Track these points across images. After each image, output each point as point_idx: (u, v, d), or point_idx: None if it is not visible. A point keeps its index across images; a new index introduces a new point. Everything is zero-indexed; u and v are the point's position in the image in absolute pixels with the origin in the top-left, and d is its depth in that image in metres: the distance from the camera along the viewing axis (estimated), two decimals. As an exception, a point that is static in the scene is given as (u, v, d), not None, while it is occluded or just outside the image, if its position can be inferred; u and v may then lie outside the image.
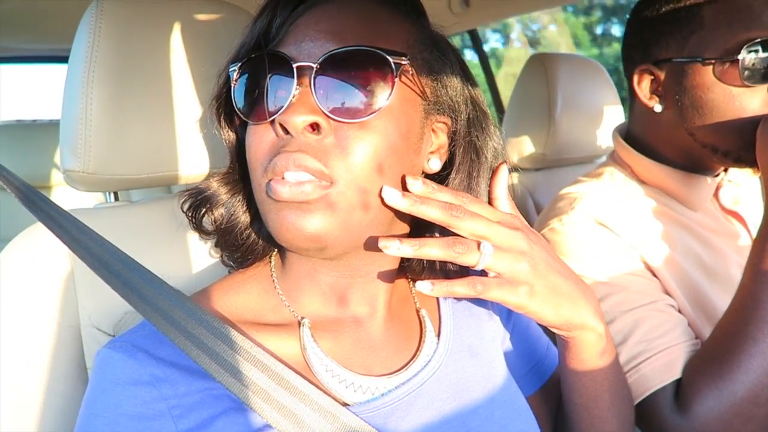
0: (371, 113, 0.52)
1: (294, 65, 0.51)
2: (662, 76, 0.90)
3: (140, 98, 0.70)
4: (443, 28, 0.62)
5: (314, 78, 0.51)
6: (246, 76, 0.54)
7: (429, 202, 0.54)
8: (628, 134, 1.02)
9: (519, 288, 0.56)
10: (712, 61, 0.83)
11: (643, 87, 0.93)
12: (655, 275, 0.88)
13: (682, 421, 0.75)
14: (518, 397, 0.67)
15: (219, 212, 0.60)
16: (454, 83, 0.59)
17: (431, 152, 0.60)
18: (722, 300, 0.88)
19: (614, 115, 1.39)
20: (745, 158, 0.86)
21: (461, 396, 0.62)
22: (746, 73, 0.81)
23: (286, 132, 0.51)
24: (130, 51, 0.68)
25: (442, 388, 0.61)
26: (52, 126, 2.02)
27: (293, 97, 0.51)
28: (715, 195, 0.99)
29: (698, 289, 0.89)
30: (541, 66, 1.28)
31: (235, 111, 0.57)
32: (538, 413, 0.74)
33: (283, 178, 0.51)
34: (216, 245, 0.62)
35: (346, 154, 0.51)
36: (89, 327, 0.67)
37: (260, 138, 0.53)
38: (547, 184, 1.33)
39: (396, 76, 0.53)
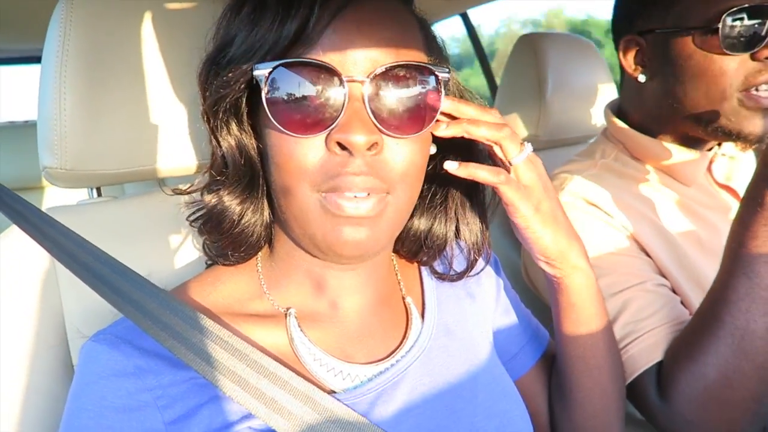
0: (424, 128, 0.53)
1: (345, 79, 0.49)
2: (646, 46, 0.89)
3: (115, 92, 0.68)
4: (434, 14, 0.61)
5: (367, 93, 0.50)
6: (283, 82, 0.50)
7: (478, 123, 0.57)
8: (619, 110, 1.01)
9: (530, 198, 0.60)
10: (694, 31, 0.82)
11: (628, 58, 0.92)
12: (648, 254, 0.87)
13: (662, 404, 0.74)
14: (503, 379, 0.67)
15: (230, 220, 0.57)
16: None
17: None
18: (717, 276, 0.87)
19: (607, 93, 1.37)
20: (728, 129, 0.85)
21: (444, 379, 0.62)
22: (726, 41, 0.80)
23: (343, 148, 0.50)
24: (102, 44, 0.67)
25: (425, 372, 0.61)
26: (32, 126, 2.02)
27: (345, 112, 0.49)
28: (708, 169, 0.98)
29: (693, 265, 0.88)
30: (531, 46, 1.26)
31: (245, 116, 0.55)
32: (533, 391, 0.74)
33: (338, 198, 0.51)
34: (222, 247, 0.59)
35: (401, 165, 0.53)
36: (73, 324, 0.66)
37: (304, 150, 0.51)
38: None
39: (442, 90, 0.53)
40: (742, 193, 0.99)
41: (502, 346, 0.73)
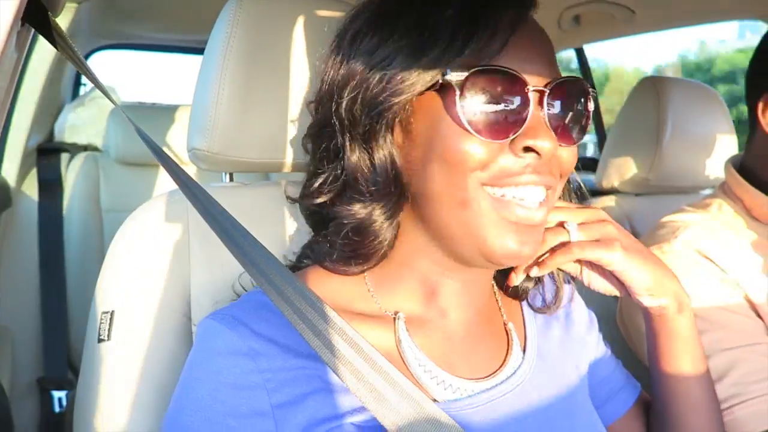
0: (581, 139, 0.58)
1: (531, 89, 0.53)
2: None
3: (264, 89, 0.75)
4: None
5: (546, 102, 0.54)
6: (476, 88, 0.52)
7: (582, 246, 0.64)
8: (742, 166, 0.97)
9: (613, 245, 0.63)
10: None
11: (767, 115, 0.88)
12: (759, 316, 0.83)
13: None
14: (598, 423, 0.67)
15: (375, 236, 0.57)
16: None
17: None
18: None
19: (727, 146, 1.32)
20: None
21: (542, 413, 0.62)
22: None
23: (526, 150, 0.54)
24: (260, 45, 0.74)
25: (524, 402, 0.61)
26: (170, 110, 2.17)
27: (531, 119, 0.53)
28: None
29: None
30: (653, 89, 1.24)
31: (398, 126, 0.56)
32: None
33: (518, 200, 0.55)
34: (352, 257, 0.59)
35: (565, 166, 0.58)
36: (197, 294, 0.72)
37: (487, 151, 0.53)
38: (647, 210, 1.27)
39: (591, 107, 0.58)
40: None
41: (594, 388, 0.72)
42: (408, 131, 0.56)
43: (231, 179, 0.86)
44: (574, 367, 0.70)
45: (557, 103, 0.55)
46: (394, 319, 0.60)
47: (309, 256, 0.64)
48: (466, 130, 0.52)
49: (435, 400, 0.56)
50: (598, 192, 1.38)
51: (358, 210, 0.57)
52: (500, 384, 0.60)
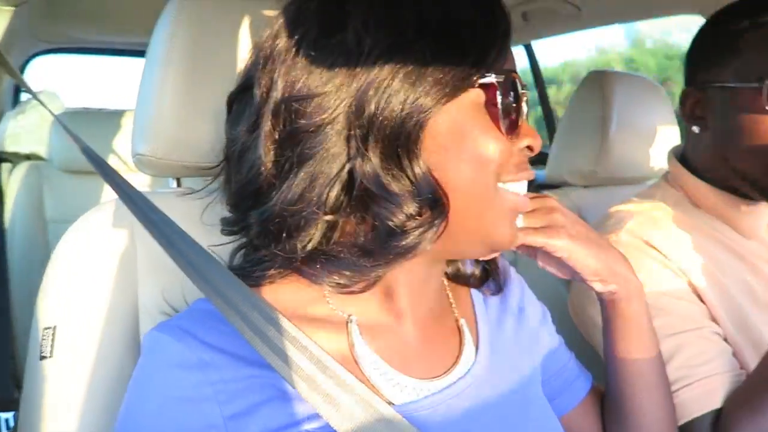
0: None
1: (524, 92, 0.56)
2: (702, 99, 0.91)
3: (209, 91, 0.73)
4: None
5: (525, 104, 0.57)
6: (504, 90, 0.54)
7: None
8: (683, 156, 1.01)
9: (557, 232, 0.65)
10: (744, 89, 0.83)
11: (686, 108, 0.94)
12: (702, 301, 0.87)
13: None
14: (551, 415, 0.68)
15: (413, 255, 0.54)
16: None
17: None
18: (772, 331, 0.86)
19: (671, 138, 1.37)
20: None
21: (498, 408, 0.62)
22: None
23: (523, 148, 0.57)
24: (204, 46, 0.72)
25: (480, 398, 0.61)
26: (116, 115, 2.11)
27: (524, 120, 0.57)
28: (771, 224, 0.97)
29: (746, 317, 0.87)
30: (598, 83, 1.27)
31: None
32: (578, 428, 0.75)
33: (516, 193, 0.58)
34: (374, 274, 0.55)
35: None
36: (145, 303, 0.70)
37: (505, 149, 0.54)
38: (596, 202, 1.31)
39: None
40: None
41: (548, 381, 0.74)
42: (428, 134, 0.52)
43: (179, 185, 0.83)
44: (528, 361, 0.71)
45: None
46: (347, 322, 0.59)
47: (267, 262, 0.59)
48: (499, 131, 0.54)
49: (392, 403, 0.56)
50: (548, 185, 1.41)
51: (411, 231, 0.52)
52: (456, 382, 0.61)
